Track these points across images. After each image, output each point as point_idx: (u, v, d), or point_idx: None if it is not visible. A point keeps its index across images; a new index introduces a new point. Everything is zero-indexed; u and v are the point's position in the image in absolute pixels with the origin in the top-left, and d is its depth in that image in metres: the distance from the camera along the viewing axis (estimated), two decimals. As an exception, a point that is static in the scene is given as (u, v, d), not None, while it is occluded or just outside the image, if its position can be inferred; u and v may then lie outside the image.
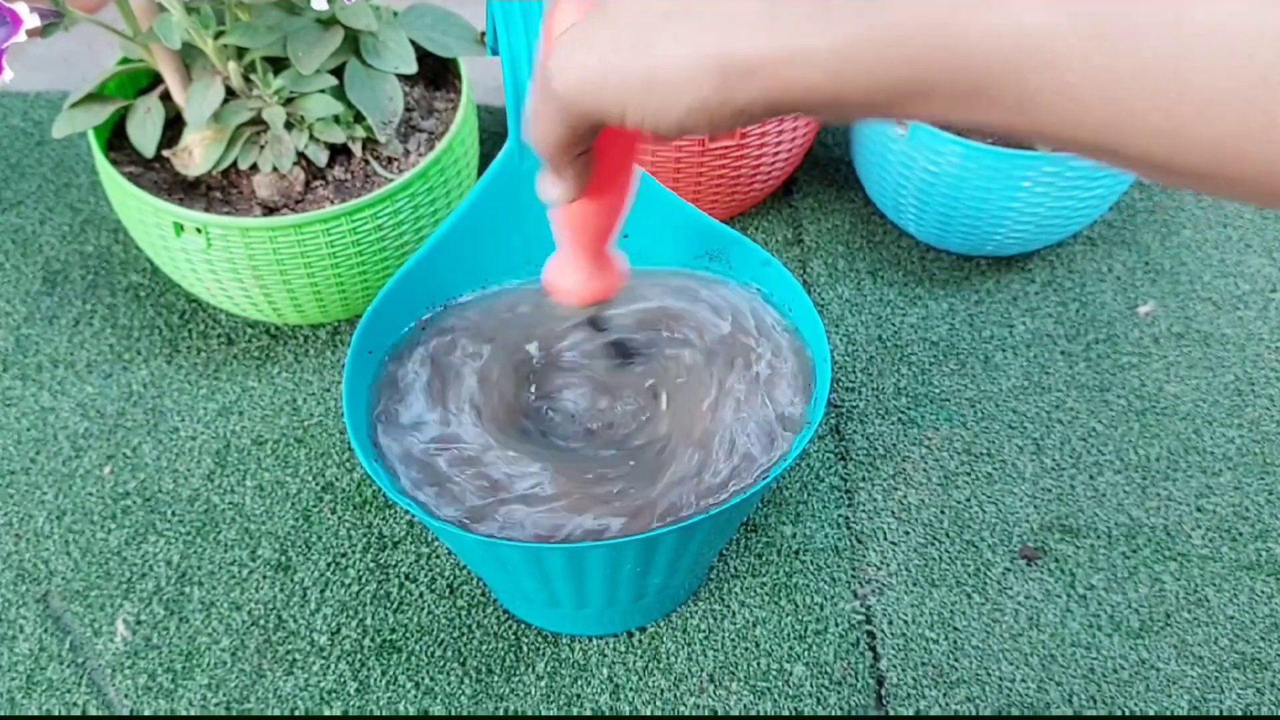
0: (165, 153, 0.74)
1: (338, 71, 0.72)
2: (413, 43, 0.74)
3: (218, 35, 0.68)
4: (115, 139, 0.77)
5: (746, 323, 0.60)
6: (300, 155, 0.74)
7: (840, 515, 0.73)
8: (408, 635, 0.67)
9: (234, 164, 0.73)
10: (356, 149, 0.75)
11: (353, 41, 0.72)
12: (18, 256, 0.87)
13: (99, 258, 0.87)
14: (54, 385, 0.79)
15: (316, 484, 0.74)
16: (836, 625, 0.68)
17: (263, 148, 0.72)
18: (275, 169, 0.72)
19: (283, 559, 0.70)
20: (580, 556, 0.52)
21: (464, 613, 0.68)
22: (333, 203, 0.73)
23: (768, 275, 0.61)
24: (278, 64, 0.71)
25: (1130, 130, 0.26)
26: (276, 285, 0.73)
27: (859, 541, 0.71)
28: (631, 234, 0.62)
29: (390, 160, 0.76)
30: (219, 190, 0.75)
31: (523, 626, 0.67)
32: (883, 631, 0.67)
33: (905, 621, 0.68)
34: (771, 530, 0.72)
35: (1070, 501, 0.73)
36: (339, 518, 0.72)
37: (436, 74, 0.82)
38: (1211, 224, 0.92)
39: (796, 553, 0.71)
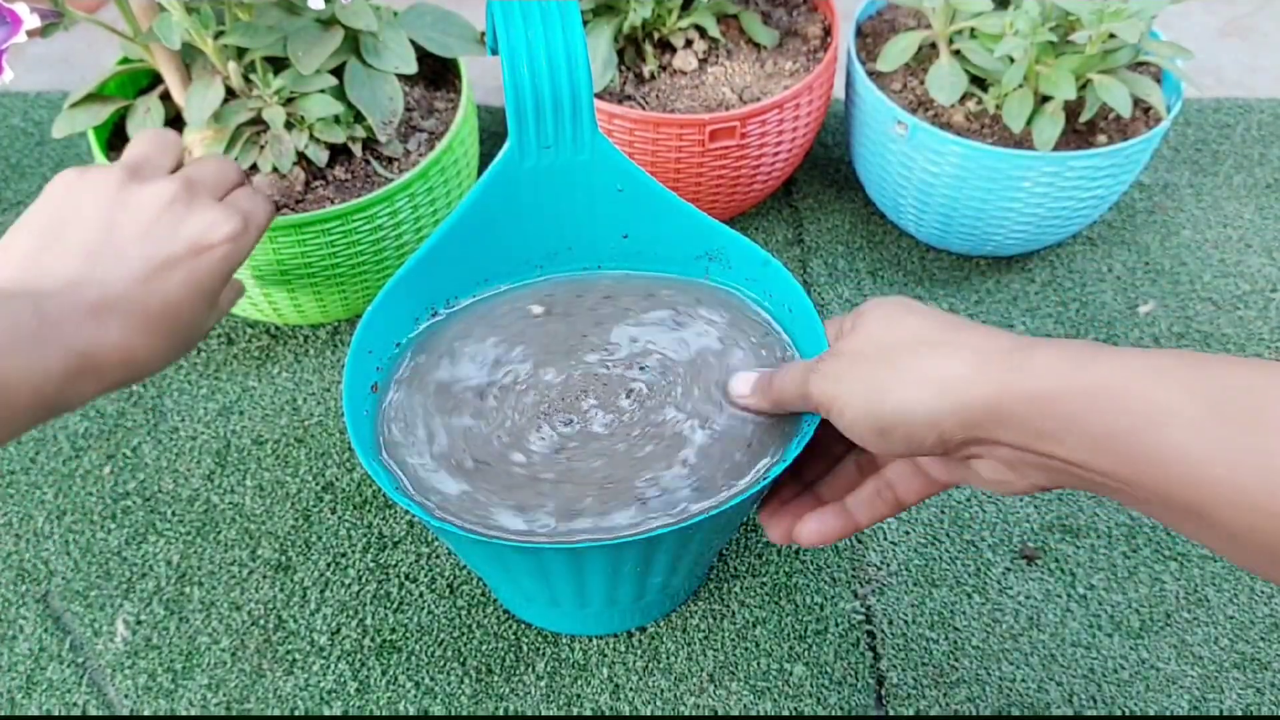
0: (165, 153, 0.75)
1: (338, 71, 0.72)
2: (413, 43, 0.74)
3: (218, 35, 0.68)
4: (115, 139, 0.77)
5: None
6: (300, 155, 0.74)
7: (840, 515, 0.73)
8: (408, 635, 0.67)
9: (234, 164, 0.73)
10: (356, 149, 0.75)
11: (353, 41, 0.72)
12: (18, 256, 0.87)
13: (99, 258, 0.87)
14: (54, 385, 0.79)
15: (316, 484, 0.74)
16: (836, 625, 0.68)
17: (263, 148, 0.72)
18: (275, 169, 0.72)
19: (283, 559, 0.70)
20: (580, 556, 0.52)
21: (464, 613, 0.68)
22: (333, 203, 0.73)
23: (767, 275, 0.61)
24: (278, 64, 0.72)
25: (1237, 503, 0.33)
26: (276, 285, 0.73)
27: (859, 541, 0.71)
28: (631, 234, 0.62)
29: (390, 160, 0.76)
30: (219, 190, 0.75)
31: (523, 626, 0.67)
32: (883, 631, 0.67)
33: (905, 621, 0.68)
34: (771, 530, 0.72)
35: (1070, 501, 0.73)
36: (339, 518, 0.72)
37: (436, 74, 0.82)
38: (1211, 224, 0.92)
39: (796, 553, 0.71)
